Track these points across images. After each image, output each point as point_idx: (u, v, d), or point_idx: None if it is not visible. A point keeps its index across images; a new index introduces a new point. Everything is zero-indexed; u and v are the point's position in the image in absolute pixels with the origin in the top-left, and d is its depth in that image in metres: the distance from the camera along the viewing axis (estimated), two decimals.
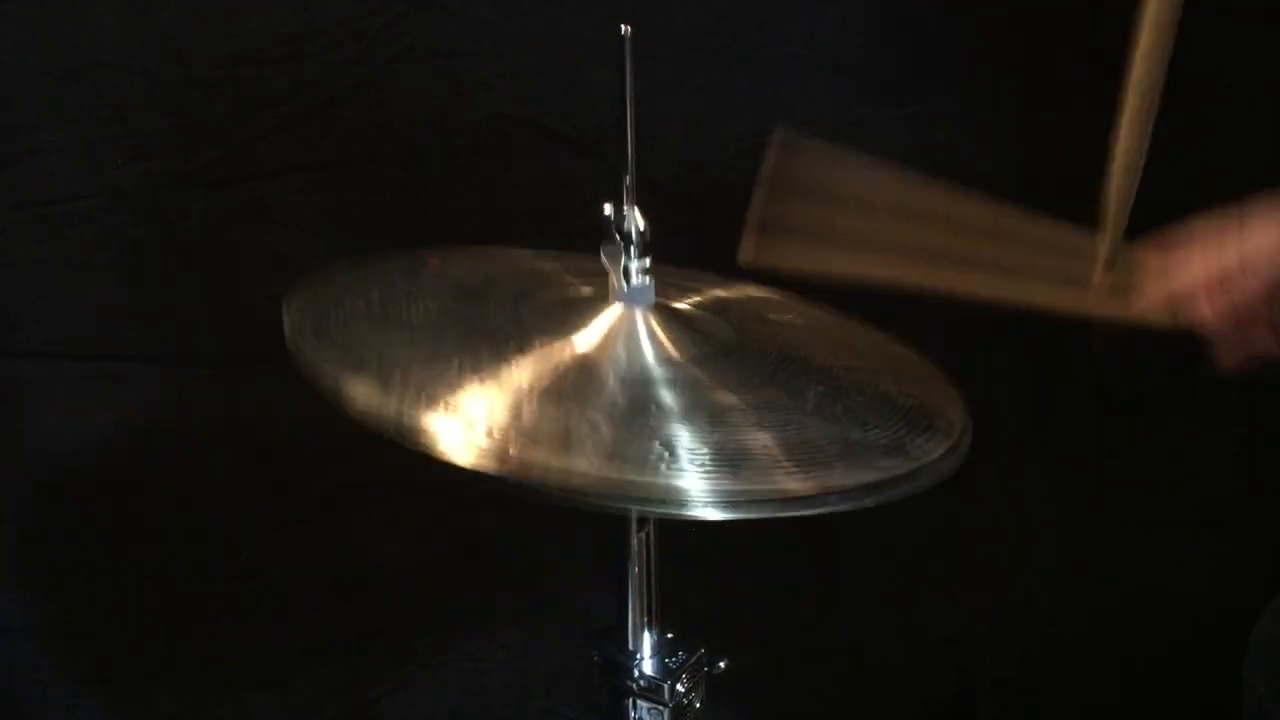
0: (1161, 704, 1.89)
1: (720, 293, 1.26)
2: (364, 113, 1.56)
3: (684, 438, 0.91)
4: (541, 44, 1.59)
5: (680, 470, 0.88)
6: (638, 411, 0.94)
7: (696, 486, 0.87)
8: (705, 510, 0.87)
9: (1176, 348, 1.70)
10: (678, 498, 0.87)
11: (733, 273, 1.26)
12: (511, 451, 0.87)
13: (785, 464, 0.91)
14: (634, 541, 1.14)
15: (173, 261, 1.56)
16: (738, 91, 1.66)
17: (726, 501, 0.88)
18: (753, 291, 1.29)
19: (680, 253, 1.35)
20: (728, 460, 0.89)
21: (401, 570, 1.75)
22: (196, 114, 1.51)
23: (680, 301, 1.19)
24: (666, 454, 0.89)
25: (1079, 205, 1.68)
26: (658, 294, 1.10)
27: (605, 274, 1.20)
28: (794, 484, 0.89)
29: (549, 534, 1.69)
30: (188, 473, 1.65)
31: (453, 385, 0.93)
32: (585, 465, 0.87)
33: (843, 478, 0.91)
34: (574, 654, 1.81)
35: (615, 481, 0.87)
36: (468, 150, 1.61)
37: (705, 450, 0.90)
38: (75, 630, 1.70)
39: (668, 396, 0.97)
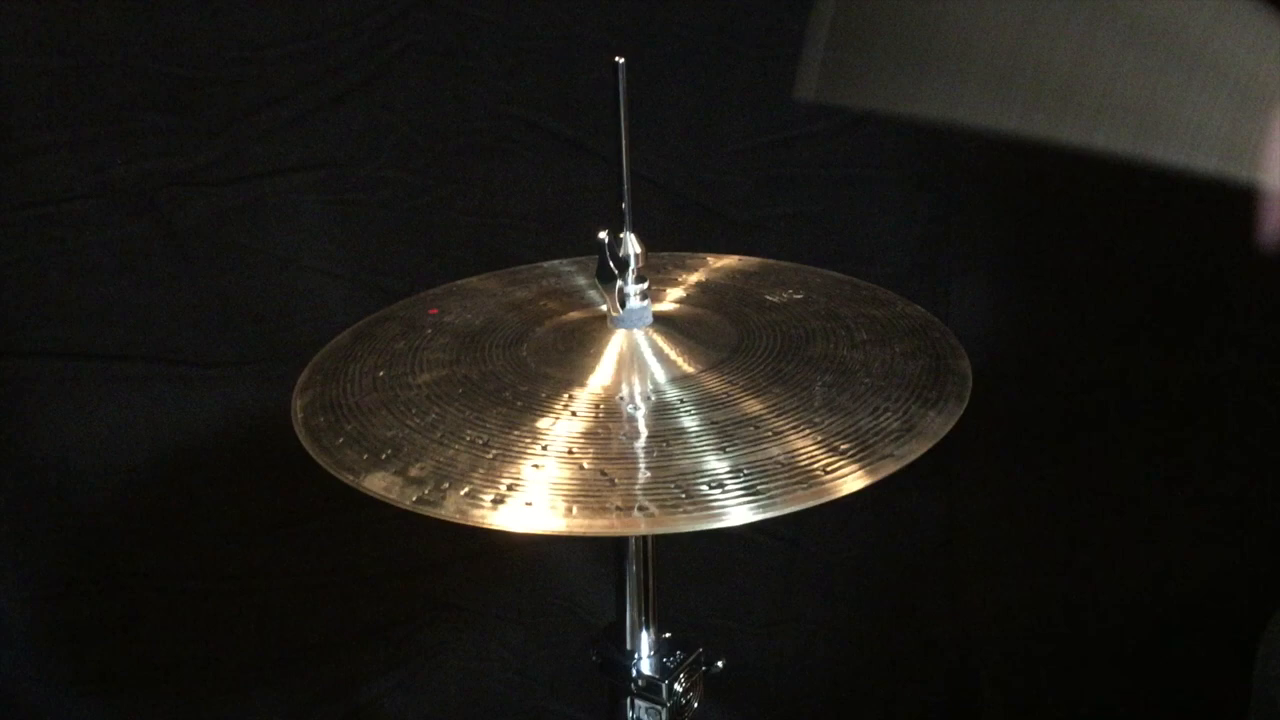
0: (1163, 705, 1.88)
1: (709, 278, 1.26)
2: (364, 113, 1.56)
3: (715, 468, 0.92)
4: (541, 44, 1.59)
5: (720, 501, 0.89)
6: (666, 445, 0.94)
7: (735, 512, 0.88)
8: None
9: (1179, 348, 1.71)
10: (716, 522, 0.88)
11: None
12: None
13: (797, 473, 0.91)
14: (632, 541, 1.14)
15: (173, 261, 1.56)
16: (738, 91, 1.66)
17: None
18: (742, 266, 1.29)
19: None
20: (748, 483, 0.90)
21: (401, 570, 1.75)
22: (196, 114, 1.51)
23: (671, 300, 1.19)
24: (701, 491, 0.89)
25: (1081, 204, 1.69)
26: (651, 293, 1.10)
27: (586, 290, 1.21)
28: (808, 497, 0.89)
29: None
30: (188, 473, 1.65)
31: (472, 466, 0.93)
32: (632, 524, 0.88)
33: (856, 478, 0.91)
34: (574, 654, 1.82)
35: (658, 522, 0.88)
36: (468, 150, 1.61)
37: (731, 479, 0.90)
38: (75, 630, 1.71)
39: (691, 422, 0.97)
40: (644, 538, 1.13)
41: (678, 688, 1.16)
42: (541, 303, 1.21)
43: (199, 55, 1.49)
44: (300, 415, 1.04)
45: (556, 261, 1.32)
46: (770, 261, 1.30)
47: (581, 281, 1.25)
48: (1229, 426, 1.76)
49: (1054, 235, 1.72)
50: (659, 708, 1.16)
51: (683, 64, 1.63)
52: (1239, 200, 1.69)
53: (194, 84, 1.50)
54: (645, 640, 1.17)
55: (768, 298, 1.19)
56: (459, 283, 1.30)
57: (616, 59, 1.01)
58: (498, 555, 1.76)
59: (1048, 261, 1.73)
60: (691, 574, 1.78)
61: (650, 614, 1.17)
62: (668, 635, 1.19)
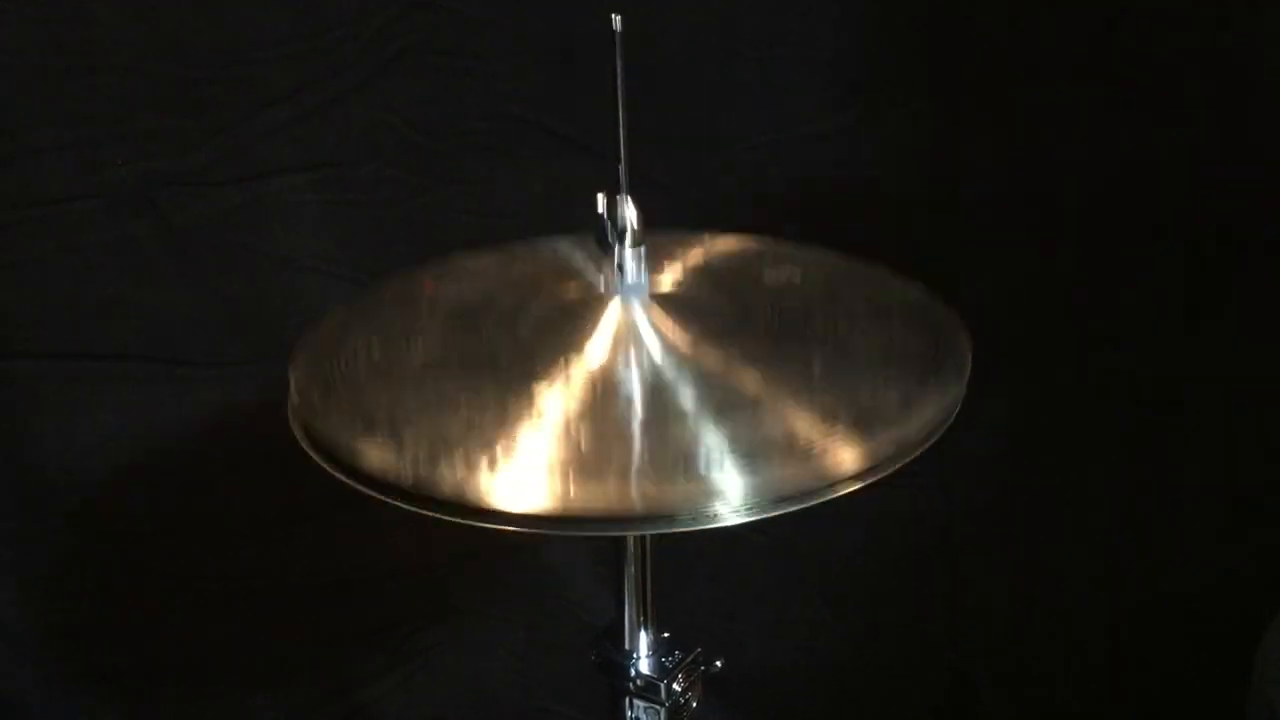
0: (1163, 706, 1.88)
1: (708, 257, 1.25)
2: (364, 113, 1.56)
3: (714, 441, 0.91)
4: (542, 44, 1.59)
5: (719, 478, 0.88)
6: (664, 422, 0.94)
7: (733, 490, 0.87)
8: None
9: (1180, 347, 1.71)
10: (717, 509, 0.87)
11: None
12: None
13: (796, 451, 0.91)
14: (631, 541, 1.14)
15: (173, 261, 1.56)
16: (738, 91, 1.66)
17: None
18: (742, 246, 1.28)
19: None
20: (751, 458, 0.89)
21: (401, 570, 1.75)
22: (196, 114, 1.51)
23: (669, 274, 1.18)
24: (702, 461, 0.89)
25: (1081, 205, 1.69)
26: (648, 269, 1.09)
27: (583, 264, 1.20)
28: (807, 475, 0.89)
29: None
30: (188, 473, 1.65)
31: (467, 442, 0.93)
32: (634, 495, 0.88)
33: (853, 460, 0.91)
34: (573, 654, 1.81)
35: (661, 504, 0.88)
36: (468, 150, 1.61)
37: (735, 452, 0.90)
38: (75, 630, 1.71)
39: (689, 398, 0.97)
40: (642, 536, 1.13)
41: (676, 687, 1.16)
42: (537, 277, 1.20)
43: (199, 55, 1.49)
44: (293, 391, 1.04)
45: (552, 237, 1.31)
46: (770, 240, 1.29)
47: (578, 257, 1.24)
48: (1229, 427, 1.76)
49: (1055, 235, 1.72)
50: (658, 708, 1.16)
51: (683, 64, 1.63)
52: (1241, 201, 1.70)
53: (194, 84, 1.50)
54: (644, 640, 1.17)
55: (767, 276, 1.19)
56: (454, 257, 1.29)
57: (614, 18, 1.01)
58: (498, 555, 1.76)
59: (1048, 261, 1.73)
60: (690, 574, 1.78)
61: (649, 614, 1.17)
62: (666, 635, 1.19)
